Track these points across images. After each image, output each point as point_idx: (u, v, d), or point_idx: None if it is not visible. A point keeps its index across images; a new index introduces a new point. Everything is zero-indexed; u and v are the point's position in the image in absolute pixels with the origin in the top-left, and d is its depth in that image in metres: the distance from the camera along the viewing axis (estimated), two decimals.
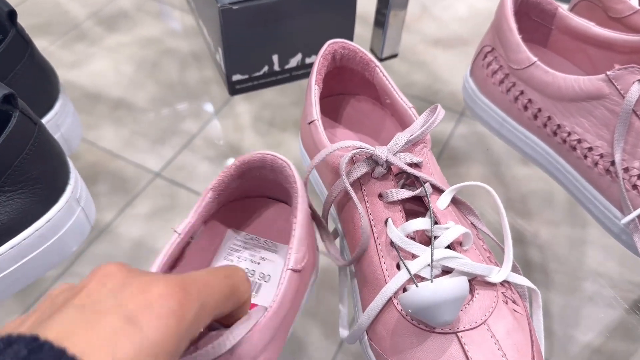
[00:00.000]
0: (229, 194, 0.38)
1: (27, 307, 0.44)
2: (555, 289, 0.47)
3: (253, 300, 0.31)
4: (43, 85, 0.44)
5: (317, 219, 0.38)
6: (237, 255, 0.38)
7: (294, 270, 0.32)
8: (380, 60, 0.63)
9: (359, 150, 0.34)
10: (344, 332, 0.37)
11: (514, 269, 0.37)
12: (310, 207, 0.37)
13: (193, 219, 0.34)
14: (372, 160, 0.34)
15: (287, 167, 0.35)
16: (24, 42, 0.42)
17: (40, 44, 0.65)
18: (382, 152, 0.34)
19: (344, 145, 0.34)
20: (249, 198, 0.41)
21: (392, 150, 0.34)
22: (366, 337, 0.35)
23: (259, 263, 0.38)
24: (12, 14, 0.41)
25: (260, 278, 0.37)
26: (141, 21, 0.71)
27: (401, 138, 0.35)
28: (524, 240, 0.50)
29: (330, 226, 0.40)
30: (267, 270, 0.37)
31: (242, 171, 0.36)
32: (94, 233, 0.48)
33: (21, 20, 0.42)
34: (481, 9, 0.75)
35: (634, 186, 0.40)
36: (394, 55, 0.63)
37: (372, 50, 0.64)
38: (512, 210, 0.52)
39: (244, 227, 0.40)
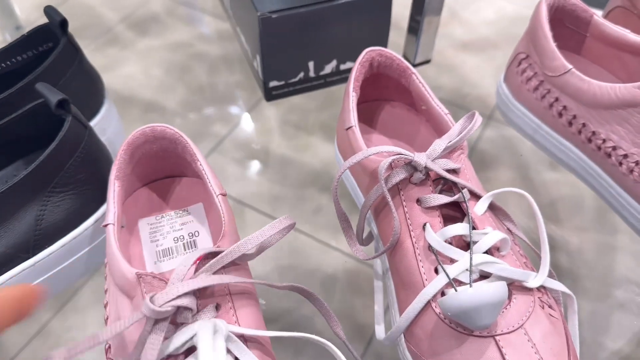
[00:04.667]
0: (134, 179, 0.40)
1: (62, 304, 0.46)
2: (585, 295, 0.47)
3: (197, 254, 0.31)
4: (91, 91, 0.45)
5: (342, 219, 0.38)
6: (160, 235, 0.39)
7: (223, 195, 0.36)
8: (414, 66, 0.64)
9: (398, 156, 0.35)
10: (380, 334, 0.38)
11: (550, 275, 0.37)
12: (339, 209, 0.37)
13: (114, 208, 0.36)
14: (411, 166, 0.35)
15: (166, 129, 0.38)
16: (74, 49, 0.44)
17: None
18: (421, 158, 0.34)
19: (381, 150, 0.35)
20: (156, 181, 0.43)
21: (430, 157, 0.35)
22: (403, 339, 0.35)
23: (181, 229, 0.39)
24: (63, 23, 0.42)
25: (190, 236, 0.39)
26: (172, 25, 0.73)
27: (440, 145, 0.36)
28: (553, 245, 0.50)
29: (365, 229, 0.41)
30: (192, 229, 0.39)
31: (130, 152, 0.38)
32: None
33: None
34: (510, 12, 0.76)
35: None
36: (427, 61, 0.64)
37: (405, 56, 0.64)
38: (541, 216, 0.52)
39: (157, 209, 0.41)
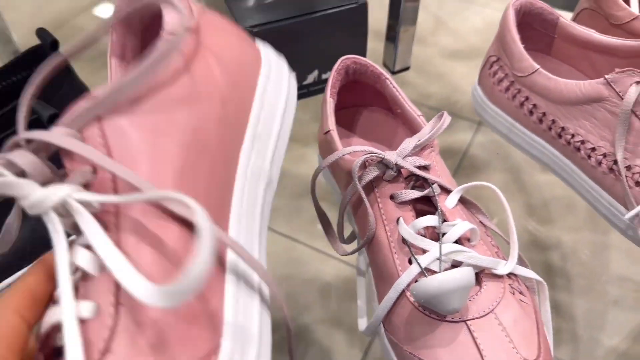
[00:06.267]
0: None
1: None
2: (580, 294, 0.48)
3: None
4: None
5: (322, 217, 0.40)
6: None
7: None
8: (393, 73, 0.66)
9: (370, 155, 0.37)
10: (362, 325, 0.39)
11: (522, 263, 0.39)
12: (319, 208, 0.39)
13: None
14: (383, 164, 0.37)
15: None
16: (66, 69, 0.46)
17: None
18: (391, 156, 0.36)
19: (355, 149, 0.37)
20: None
21: (401, 155, 0.37)
22: (382, 329, 0.37)
23: None
24: (54, 44, 0.45)
25: None
26: None
27: (410, 143, 0.38)
28: (547, 246, 0.51)
29: (347, 227, 0.43)
30: None
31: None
32: None
33: None
34: (497, 20, 0.77)
35: (637, 183, 0.42)
36: (406, 68, 0.66)
37: (384, 64, 0.67)
38: (534, 217, 0.53)
39: None
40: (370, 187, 0.38)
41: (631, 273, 0.44)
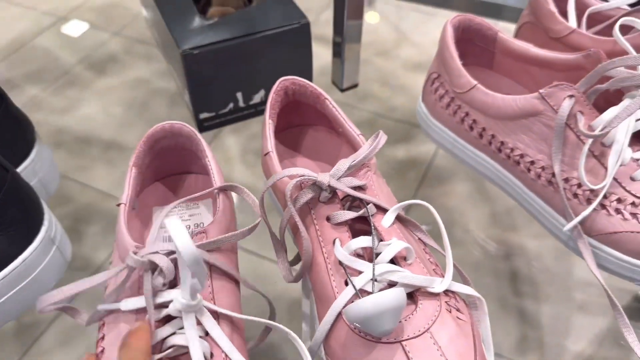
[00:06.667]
0: (154, 170, 0.45)
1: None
2: (545, 300, 0.49)
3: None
4: (18, 135, 0.47)
5: (274, 239, 0.40)
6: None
7: (223, 189, 0.41)
8: (342, 90, 0.66)
9: (303, 177, 0.37)
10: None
11: (464, 280, 0.39)
12: (271, 231, 0.40)
13: (128, 191, 0.40)
14: (317, 186, 0.37)
15: (183, 127, 0.43)
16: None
17: (32, 91, 0.69)
18: (324, 178, 0.36)
19: (291, 172, 0.37)
20: (173, 175, 0.48)
21: (335, 176, 0.37)
22: (323, 352, 0.37)
23: (189, 219, 0.44)
24: None
25: (195, 227, 0.43)
26: (130, 64, 0.74)
27: (344, 164, 0.38)
28: (512, 253, 0.52)
29: (294, 249, 0.42)
30: (198, 220, 0.43)
31: (149, 144, 0.43)
32: (90, 271, 0.51)
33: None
34: None
35: (575, 195, 0.43)
36: (355, 86, 0.67)
37: (333, 82, 0.67)
38: (499, 225, 0.54)
39: (170, 200, 0.46)
40: (307, 209, 0.38)
41: (594, 278, 0.44)
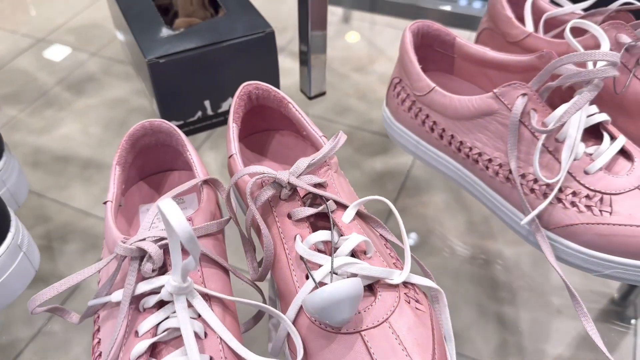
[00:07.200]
0: (137, 168, 0.46)
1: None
2: (523, 306, 0.49)
3: None
4: None
5: (243, 238, 0.41)
6: (156, 219, 0.41)
7: (205, 182, 0.42)
8: (310, 98, 0.68)
9: (263, 175, 0.38)
10: (270, 346, 0.39)
11: (425, 274, 0.40)
12: (241, 233, 0.41)
13: (114, 189, 0.41)
14: (277, 184, 0.38)
15: (162, 124, 0.44)
16: None
17: (11, 112, 0.69)
18: (283, 175, 0.37)
19: (249, 171, 0.38)
20: (157, 173, 0.49)
21: (294, 174, 0.38)
22: (287, 347, 0.37)
23: None
24: None
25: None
26: (108, 83, 0.75)
27: (303, 162, 0.39)
28: (489, 260, 0.53)
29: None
30: (185, 214, 0.43)
31: (131, 142, 0.43)
32: (68, 291, 0.50)
33: None
34: None
35: (532, 190, 0.44)
36: (322, 93, 0.68)
37: (302, 90, 0.69)
38: (476, 233, 0.55)
39: (156, 197, 0.47)
40: (268, 207, 0.39)
41: (571, 282, 0.44)
